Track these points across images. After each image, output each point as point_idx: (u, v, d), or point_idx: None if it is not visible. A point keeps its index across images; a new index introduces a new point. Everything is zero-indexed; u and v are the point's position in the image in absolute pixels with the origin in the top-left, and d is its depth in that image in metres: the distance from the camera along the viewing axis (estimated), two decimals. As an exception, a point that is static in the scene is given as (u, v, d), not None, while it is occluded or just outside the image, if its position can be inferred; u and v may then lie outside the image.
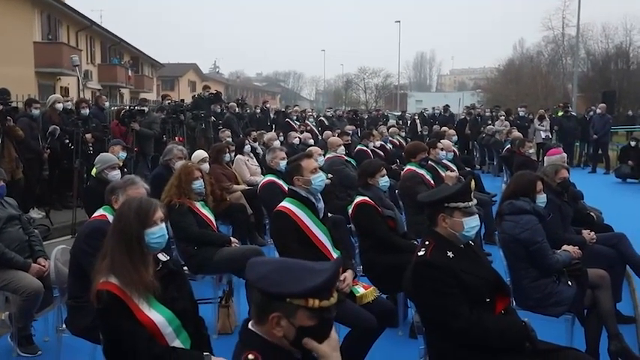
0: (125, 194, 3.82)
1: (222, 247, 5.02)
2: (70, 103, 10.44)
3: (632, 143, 13.81)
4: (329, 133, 11.70)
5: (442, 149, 7.64)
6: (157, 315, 2.75)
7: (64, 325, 3.92)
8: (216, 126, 12.44)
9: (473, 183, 3.75)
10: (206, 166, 6.76)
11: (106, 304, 2.68)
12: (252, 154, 9.17)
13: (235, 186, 7.74)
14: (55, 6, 25.75)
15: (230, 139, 9.91)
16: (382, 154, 10.30)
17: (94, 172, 5.97)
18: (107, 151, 7.01)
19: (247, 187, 7.85)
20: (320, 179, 4.19)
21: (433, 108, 21.61)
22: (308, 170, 4.14)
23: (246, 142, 9.21)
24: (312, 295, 1.88)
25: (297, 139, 11.04)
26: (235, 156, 8.61)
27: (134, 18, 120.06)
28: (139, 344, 2.68)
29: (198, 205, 5.13)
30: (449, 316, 2.89)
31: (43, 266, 4.48)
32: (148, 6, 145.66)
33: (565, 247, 4.29)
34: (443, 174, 7.01)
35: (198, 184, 5.16)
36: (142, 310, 2.72)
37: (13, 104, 9.10)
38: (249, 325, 2.00)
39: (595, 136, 15.45)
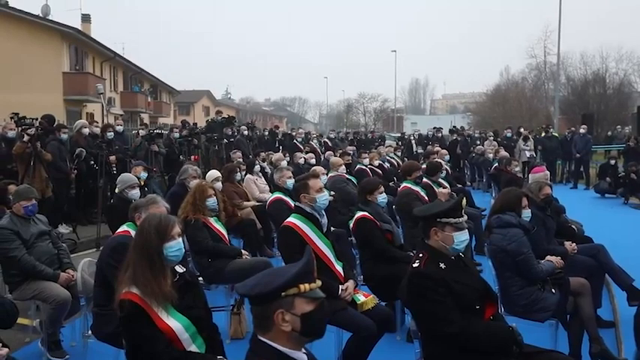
0: (147, 212, 3.85)
1: (234, 259, 5.04)
2: (97, 128, 10.62)
3: (612, 162, 13.89)
4: (331, 153, 11.74)
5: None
6: (174, 322, 2.77)
7: (89, 332, 3.94)
8: (229, 147, 12.50)
9: (464, 201, 3.77)
10: (219, 184, 6.80)
11: (128, 312, 2.70)
12: (260, 174, 9.21)
13: (246, 203, 7.76)
14: (82, 39, 26.08)
15: (241, 160, 9.96)
16: (380, 172, 10.34)
17: (116, 190, 6.01)
18: (129, 172, 7.06)
19: (257, 204, 7.87)
20: (324, 198, 4.20)
21: (426, 130, 21.79)
22: (314, 189, 4.16)
23: (256, 162, 9.26)
24: (301, 279, 1.95)
25: (302, 159, 11.09)
26: (245, 175, 8.64)
27: (153, 49, 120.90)
28: (159, 349, 2.70)
29: (212, 221, 5.16)
30: (442, 322, 2.89)
31: (72, 275, 4.52)
32: (166, 38, 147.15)
33: (549, 257, 4.31)
34: (437, 190, 7.02)
35: (212, 202, 5.19)
36: (161, 317, 2.74)
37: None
38: (258, 336, 2.03)
39: (578, 155, 15.49)
